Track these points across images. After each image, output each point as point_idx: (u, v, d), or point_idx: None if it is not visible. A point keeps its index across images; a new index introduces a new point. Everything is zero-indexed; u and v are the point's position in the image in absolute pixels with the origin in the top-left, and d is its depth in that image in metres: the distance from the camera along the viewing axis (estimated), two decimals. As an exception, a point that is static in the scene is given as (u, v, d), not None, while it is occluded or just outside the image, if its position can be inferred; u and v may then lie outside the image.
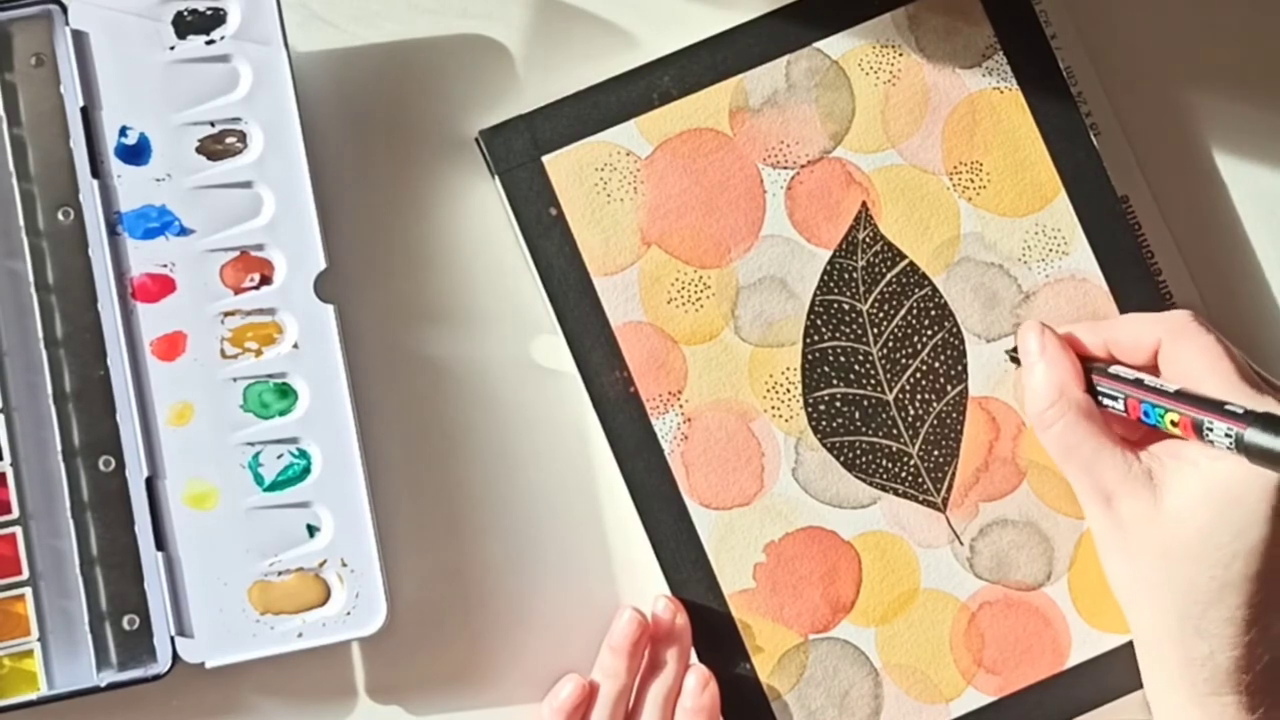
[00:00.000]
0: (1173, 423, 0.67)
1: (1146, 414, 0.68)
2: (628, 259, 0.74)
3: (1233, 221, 0.77)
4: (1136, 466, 0.69)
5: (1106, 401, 0.70)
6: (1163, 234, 0.76)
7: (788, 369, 0.74)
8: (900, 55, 0.75)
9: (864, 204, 0.74)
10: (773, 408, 0.74)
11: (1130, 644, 0.73)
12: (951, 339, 0.74)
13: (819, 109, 0.74)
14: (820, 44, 0.74)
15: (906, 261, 0.74)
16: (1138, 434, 0.71)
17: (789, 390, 0.74)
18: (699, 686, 0.72)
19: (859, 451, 0.74)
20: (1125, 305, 0.74)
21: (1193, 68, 0.77)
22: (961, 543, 0.74)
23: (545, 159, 0.73)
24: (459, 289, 0.75)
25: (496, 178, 0.74)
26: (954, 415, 0.74)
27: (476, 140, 0.74)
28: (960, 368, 0.74)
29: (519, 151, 0.73)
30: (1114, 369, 0.71)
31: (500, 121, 0.73)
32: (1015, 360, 0.73)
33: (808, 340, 0.74)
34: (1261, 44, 0.78)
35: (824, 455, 0.73)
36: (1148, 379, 0.69)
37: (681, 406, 0.73)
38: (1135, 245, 0.75)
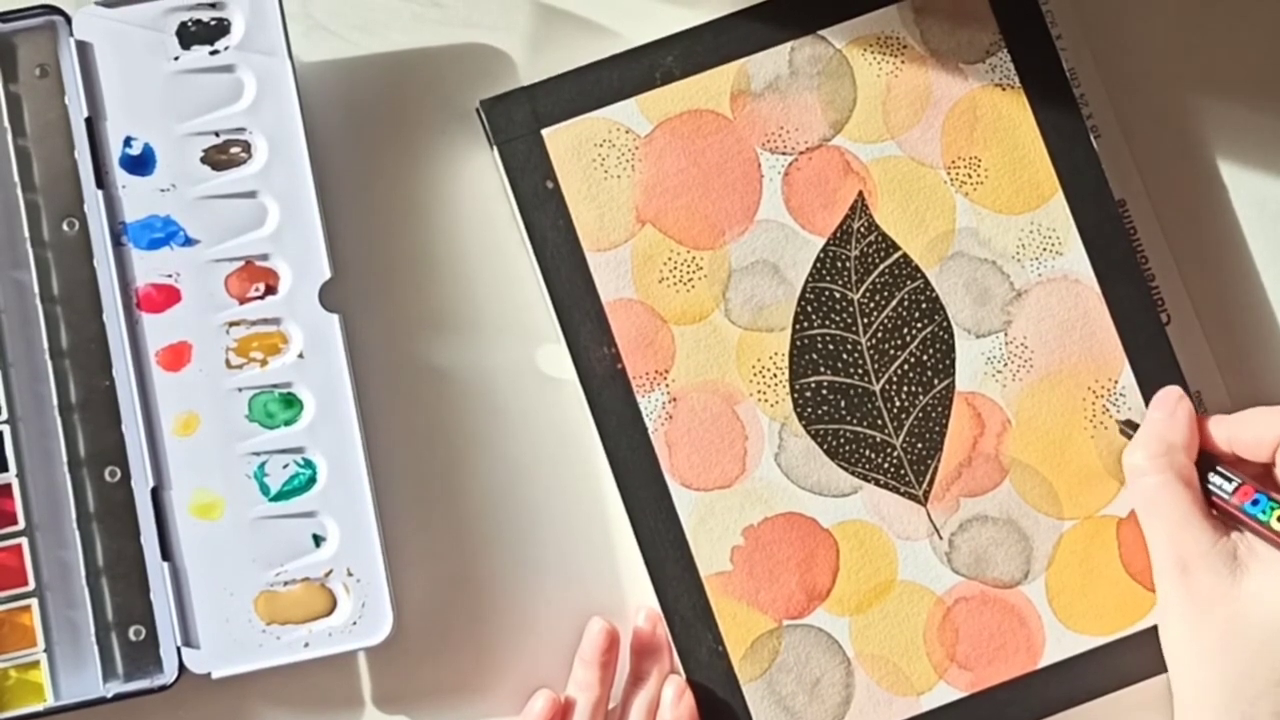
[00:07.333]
0: None
1: (1256, 502, 0.69)
2: (621, 236, 0.74)
3: (1231, 231, 0.77)
4: (1222, 543, 0.69)
5: (1216, 481, 0.70)
6: (1158, 240, 0.76)
7: (775, 354, 0.74)
8: (904, 47, 0.75)
9: (860, 193, 0.74)
10: (759, 392, 0.73)
11: (1104, 647, 0.73)
12: (941, 333, 0.74)
13: (820, 96, 0.74)
14: (825, 32, 0.74)
15: (900, 253, 0.74)
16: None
17: (776, 375, 0.74)
18: (675, 698, 0.72)
19: (842, 440, 0.73)
20: (1116, 309, 0.74)
21: (1198, 75, 0.77)
22: (941, 536, 0.73)
23: (545, 132, 0.73)
24: (464, 298, 0.75)
25: (495, 148, 0.74)
26: (939, 409, 0.74)
27: (477, 110, 0.74)
28: (948, 362, 0.74)
29: (519, 123, 0.74)
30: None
31: (502, 93, 0.74)
32: (1127, 434, 0.73)
33: (797, 326, 0.74)
34: (1268, 55, 0.78)
35: (807, 442, 0.73)
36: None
37: (668, 386, 0.73)
38: (1130, 249, 0.74)
